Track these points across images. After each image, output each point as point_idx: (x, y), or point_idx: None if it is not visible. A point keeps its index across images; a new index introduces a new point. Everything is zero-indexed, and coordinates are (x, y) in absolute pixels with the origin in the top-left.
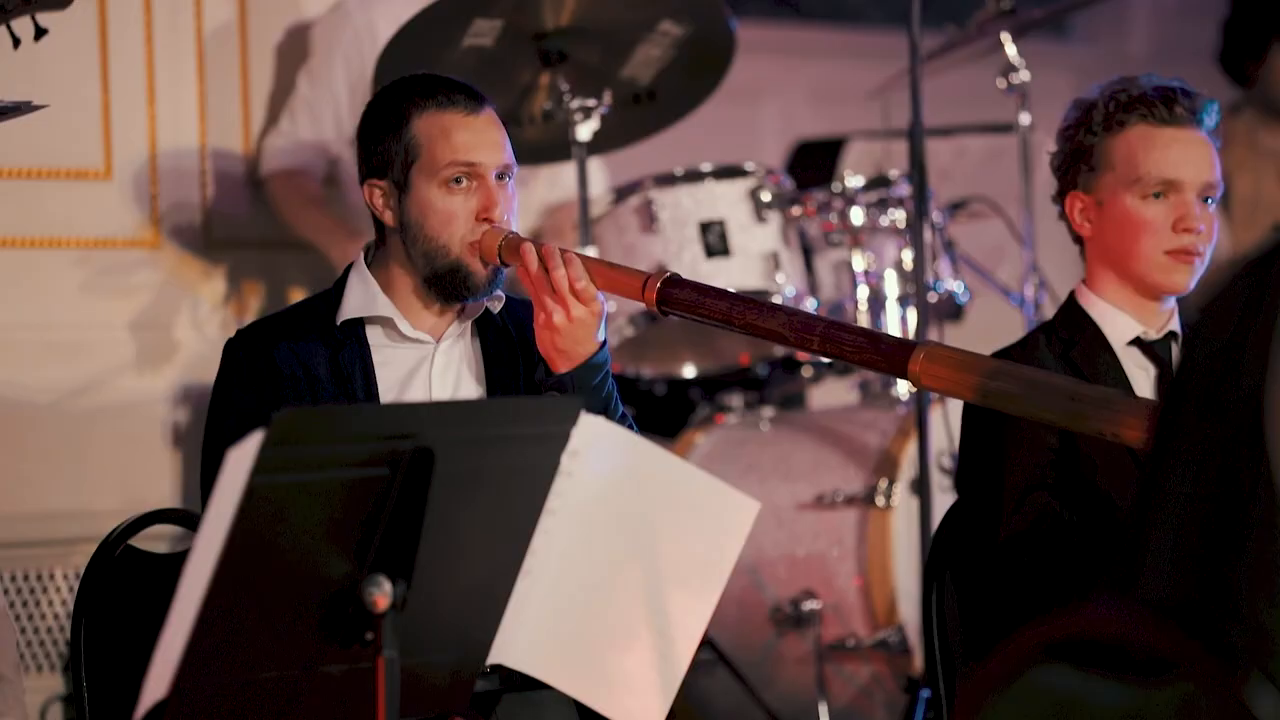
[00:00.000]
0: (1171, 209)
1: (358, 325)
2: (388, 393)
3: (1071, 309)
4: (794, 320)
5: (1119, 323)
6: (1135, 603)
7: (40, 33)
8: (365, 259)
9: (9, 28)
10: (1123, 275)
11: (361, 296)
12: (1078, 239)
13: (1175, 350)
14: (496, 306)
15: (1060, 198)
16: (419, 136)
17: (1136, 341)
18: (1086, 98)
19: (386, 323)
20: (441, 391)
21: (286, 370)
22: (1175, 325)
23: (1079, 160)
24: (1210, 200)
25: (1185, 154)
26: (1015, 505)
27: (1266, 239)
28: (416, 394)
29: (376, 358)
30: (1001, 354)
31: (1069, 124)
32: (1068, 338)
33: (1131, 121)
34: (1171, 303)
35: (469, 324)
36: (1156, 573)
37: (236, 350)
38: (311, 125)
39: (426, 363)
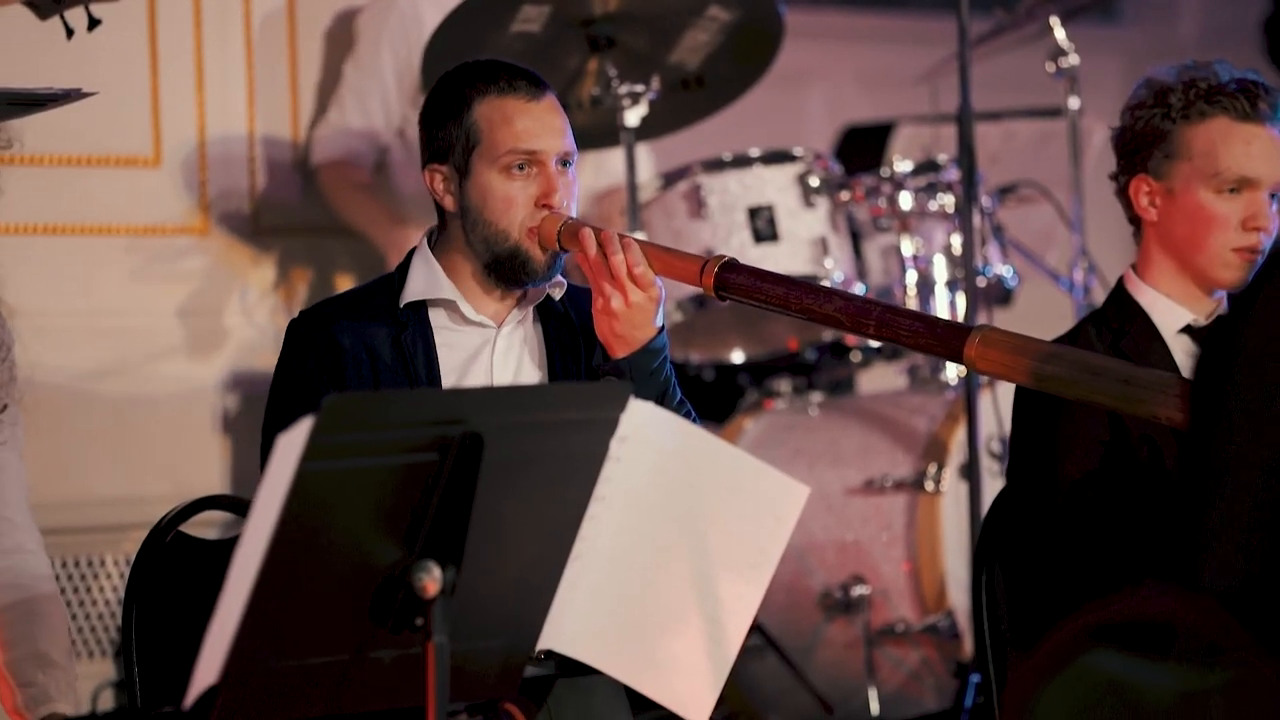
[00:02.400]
0: (1244, 206)
1: (421, 308)
2: (449, 375)
3: (1121, 297)
4: (850, 305)
5: (1170, 311)
6: (1187, 588)
7: (94, 23)
8: (428, 243)
9: (63, 18)
10: (1183, 265)
11: (425, 279)
12: (1134, 220)
13: None
14: (558, 293)
15: (1123, 177)
16: (480, 122)
17: (1186, 329)
18: (1160, 79)
19: (450, 306)
20: (503, 376)
21: (350, 349)
22: (1224, 310)
23: (1152, 144)
24: (1276, 197)
25: (1264, 151)
26: (1066, 498)
27: None
28: (478, 378)
29: (439, 340)
30: None
31: (1139, 104)
32: (1118, 328)
33: (1213, 113)
34: (1222, 292)
35: (531, 309)
36: (1221, 559)
37: (299, 329)
38: (360, 114)
39: (489, 346)
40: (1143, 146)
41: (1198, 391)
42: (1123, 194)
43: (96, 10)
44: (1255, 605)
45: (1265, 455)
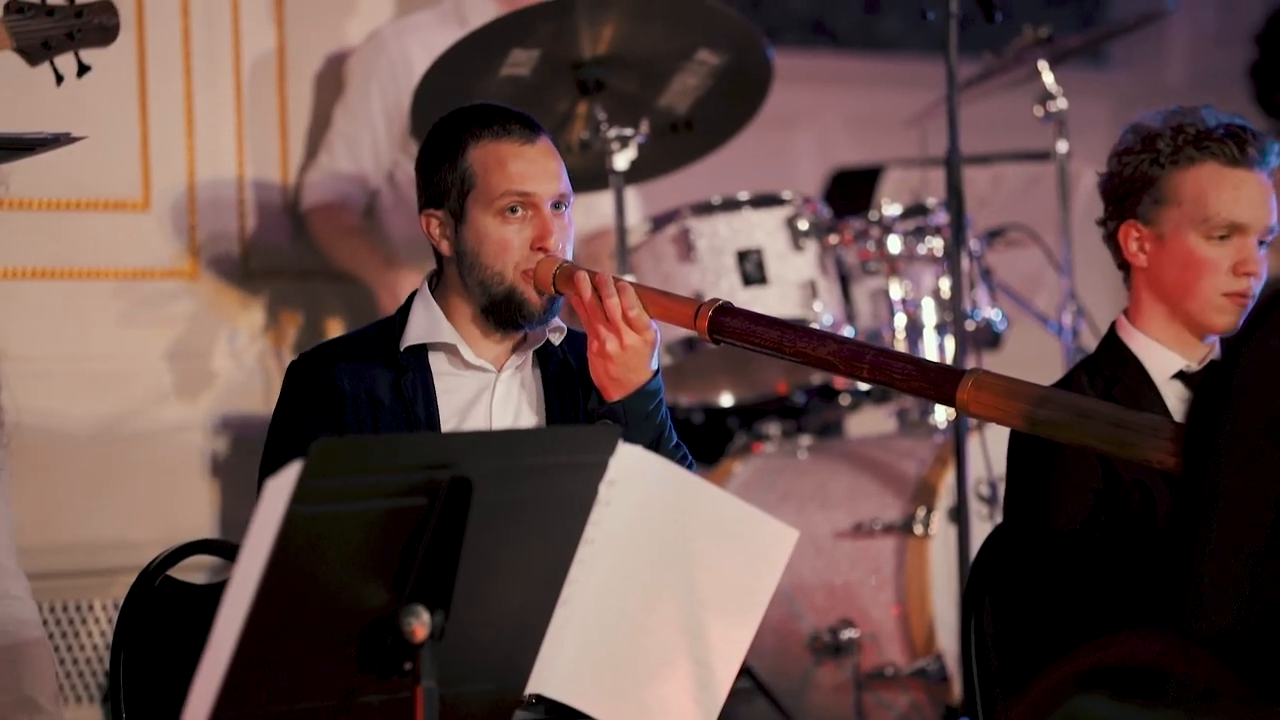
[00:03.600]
0: (1234, 251)
1: (421, 352)
2: (449, 419)
3: (1113, 344)
4: (843, 348)
5: (1162, 357)
6: (1177, 633)
7: (83, 69)
8: (429, 287)
9: (53, 64)
10: (1174, 310)
11: (425, 323)
12: (1123, 266)
13: None
14: (558, 338)
15: (1111, 223)
16: (474, 166)
17: (1179, 375)
18: (1147, 125)
19: (450, 350)
20: (502, 420)
21: (349, 391)
22: (1217, 355)
23: (1140, 190)
24: (1265, 242)
25: (1253, 197)
26: (1059, 545)
27: None
28: (477, 422)
29: (439, 385)
30: None
31: (1127, 149)
32: (1110, 375)
33: (1201, 159)
34: (1214, 337)
35: (530, 354)
36: (1211, 603)
37: (299, 372)
38: (349, 158)
39: (488, 391)
40: (1131, 192)
41: (1189, 435)
42: (1111, 240)
43: (86, 57)
44: (1246, 650)
45: (1256, 499)
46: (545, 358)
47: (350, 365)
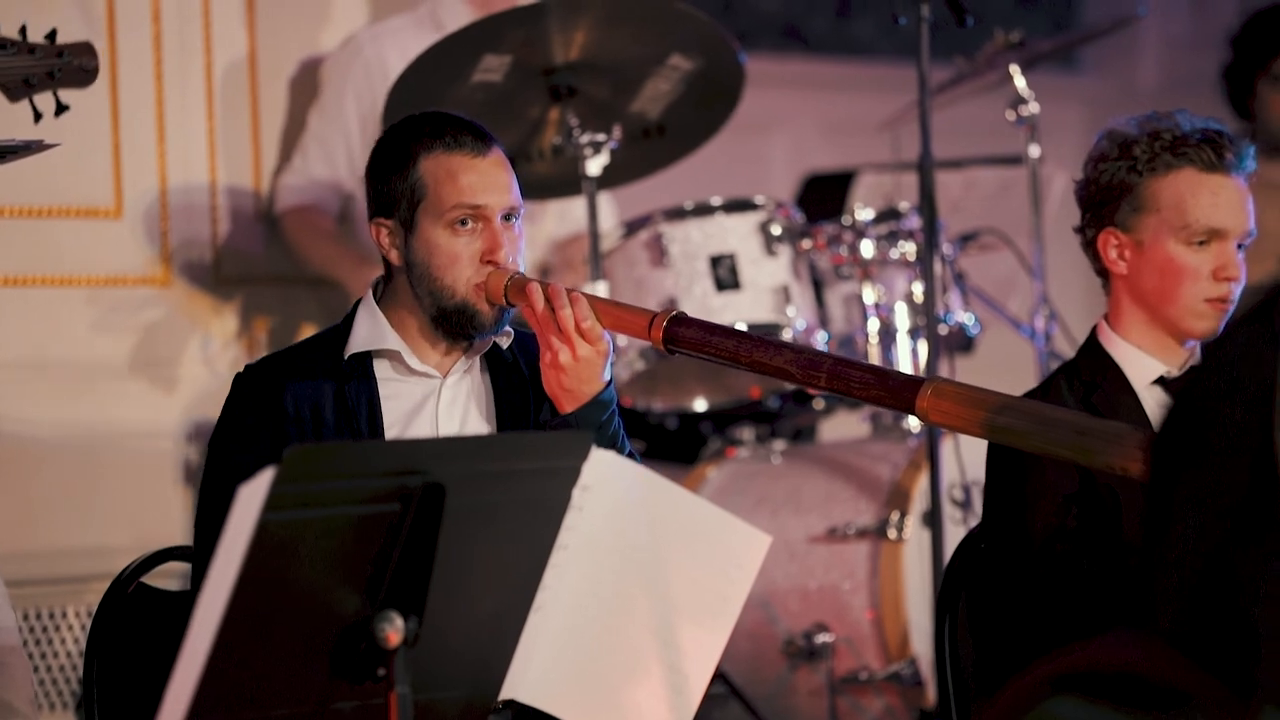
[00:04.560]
0: (1214, 257)
1: (365, 359)
2: (392, 426)
3: (1093, 349)
4: (801, 357)
5: (1142, 364)
6: (1149, 635)
7: (61, 109)
8: (374, 294)
9: (32, 101)
10: (1154, 317)
11: (369, 330)
12: (1102, 273)
13: None
14: (505, 342)
15: (1089, 230)
16: (425, 177)
17: (1159, 381)
18: (1122, 131)
19: (394, 356)
20: (448, 426)
21: (291, 410)
22: (1197, 360)
23: (1118, 197)
24: (1243, 246)
25: (1231, 202)
26: (1035, 551)
27: (1274, 274)
28: (422, 428)
29: (383, 391)
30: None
31: (1103, 156)
32: (1089, 380)
33: (1179, 165)
34: (1194, 341)
35: (478, 359)
36: (1169, 605)
37: (244, 386)
38: (323, 162)
39: (433, 397)
40: (1109, 199)
41: (1160, 440)
42: (1090, 247)
43: (64, 96)
44: (1214, 650)
45: (1224, 501)
46: (494, 362)
47: (295, 382)
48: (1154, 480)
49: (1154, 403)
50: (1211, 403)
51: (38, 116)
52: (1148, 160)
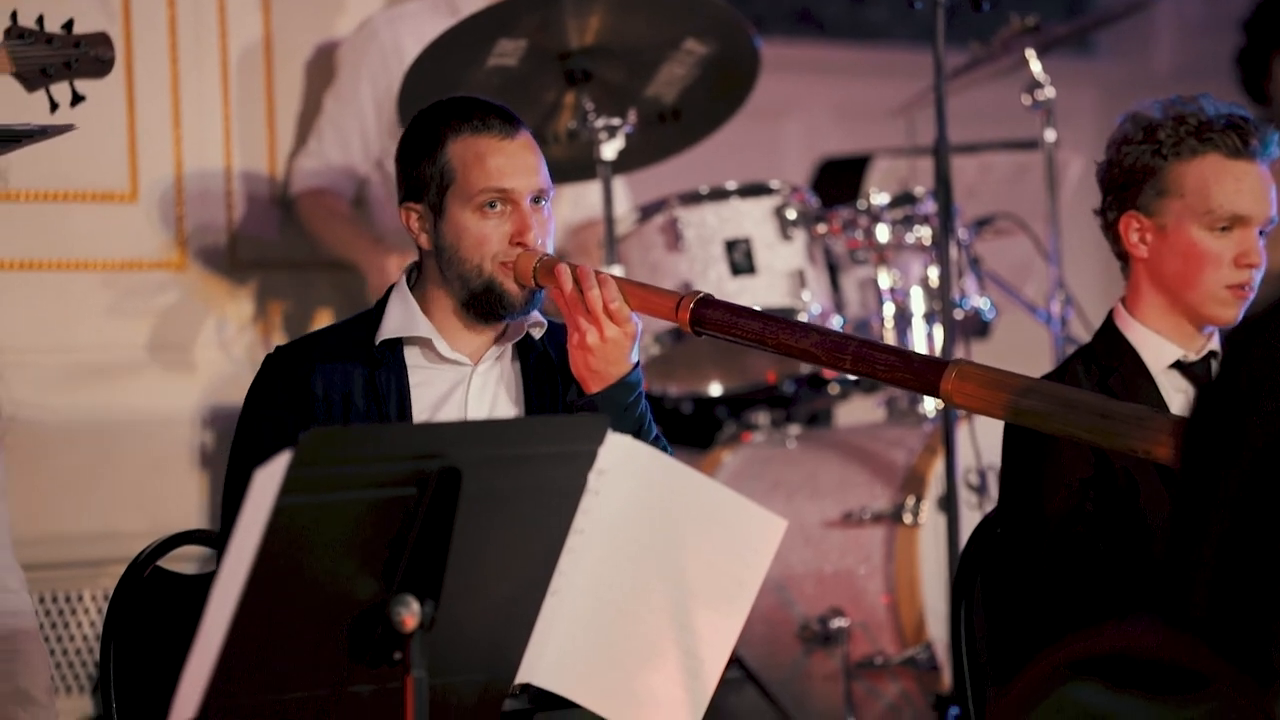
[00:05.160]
0: (1236, 243)
1: (397, 346)
2: (422, 414)
3: (1110, 333)
4: (826, 340)
5: (1159, 348)
6: (1168, 620)
7: (77, 99)
8: (407, 281)
9: (48, 91)
10: (1174, 301)
11: (401, 317)
12: (1121, 256)
13: (1214, 369)
14: (538, 332)
15: (1111, 213)
16: (453, 161)
17: (1176, 364)
18: (1146, 114)
19: (425, 343)
20: (477, 413)
21: (320, 393)
22: (1215, 345)
23: (1142, 181)
24: (1264, 232)
25: (1255, 189)
26: (1051, 535)
27: None
28: (451, 415)
29: (414, 378)
30: None
31: (1126, 139)
32: (1106, 365)
33: (1204, 150)
34: (1212, 327)
35: (509, 347)
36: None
37: (274, 366)
38: (338, 145)
39: (463, 384)
40: (1132, 183)
41: (1192, 429)
42: (1110, 229)
43: (81, 87)
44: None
45: (1260, 492)
46: (526, 350)
47: (325, 365)
48: (1188, 472)
49: (1171, 387)
50: (1250, 397)
51: (54, 106)
52: (1173, 144)
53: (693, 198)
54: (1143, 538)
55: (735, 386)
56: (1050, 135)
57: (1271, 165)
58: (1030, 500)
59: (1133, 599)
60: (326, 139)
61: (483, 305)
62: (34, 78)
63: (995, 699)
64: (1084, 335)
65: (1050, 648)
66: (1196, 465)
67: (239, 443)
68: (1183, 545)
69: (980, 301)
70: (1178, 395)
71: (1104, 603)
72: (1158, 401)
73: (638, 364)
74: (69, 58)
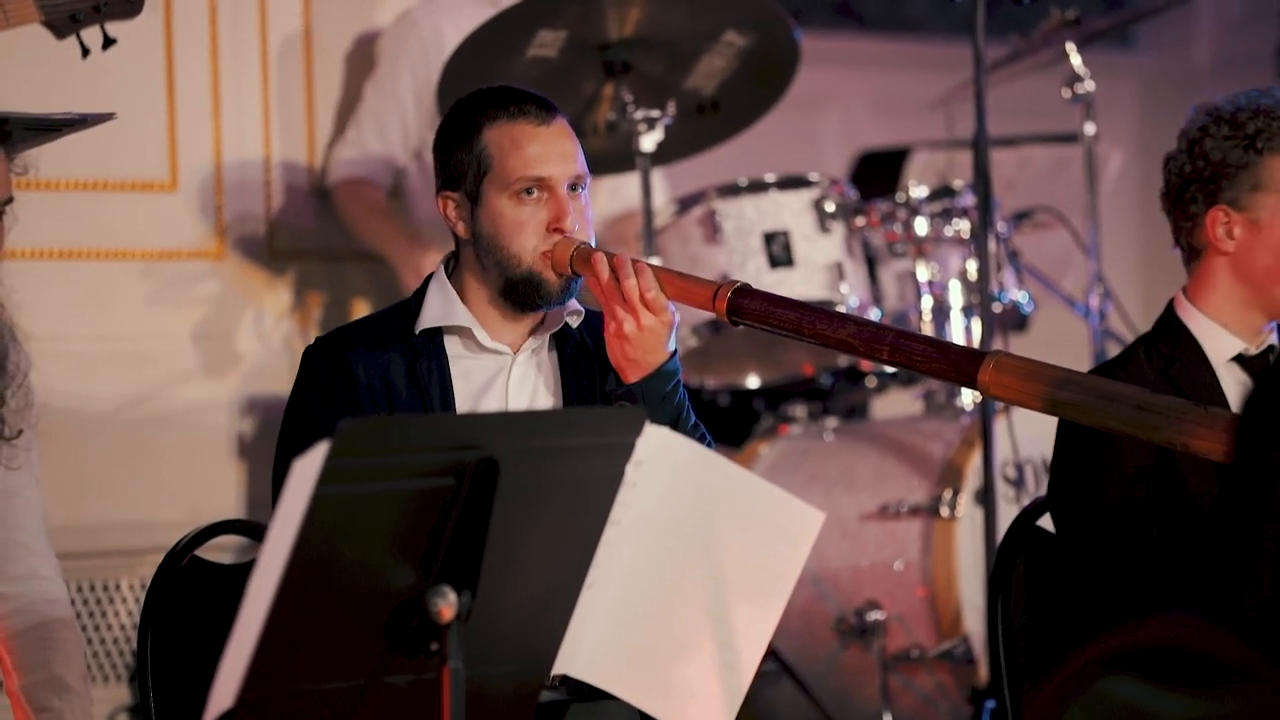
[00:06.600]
0: None
1: (436, 335)
2: (464, 403)
3: (1171, 322)
4: (863, 330)
5: (1220, 339)
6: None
7: (109, 42)
8: (445, 270)
9: (79, 37)
10: (1256, 296)
11: (441, 306)
12: (1189, 246)
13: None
14: (575, 321)
15: (1192, 206)
16: (490, 148)
17: (1237, 358)
18: (1224, 107)
19: (465, 333)
20: (518, 403)
21: (363, 379)
22: (1274, 339)
23: (1233, 174)
24: None
25: None
26: (1105, 523)
27: None
28: (492, 405)
29: (454, 368)
30: (1104, 370)
31: (1205, 132)
32: (1168, 354)
33: None
34: (1272, 323)
35: (547, 337)
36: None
37: (315, 357)
38: (378, 136)
39: (504, 374)
40: (1222, 175)
41: (1247, 425)
42: (1188, 221)
43: (112, 29)
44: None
45: None
46: (563, 340)
47: (365, 352)
48: (1242, 467)
49: (1231, 380)
50: None
51: (85, 52)
52: (1268, 138)
53: (731, 190)
54: (1196, 531)
55: (772, 379)
56: (1090, 129)
57: None
58: (1086, 485)
59: (1180, 590)
60: (366, 128)
61: (520, 294)
62: (63, 24)
63: (1032, 693)
64: (1122, 328)
65: (1088, 642)
66: (1250, 457)
67: (285, 434)
68: (1235, 541)
69: (1019, 295)
70: (1236, 387)
71: (1151, 592)
72: (1218, 392)
73: (675, 352)
74: (98, 1)
